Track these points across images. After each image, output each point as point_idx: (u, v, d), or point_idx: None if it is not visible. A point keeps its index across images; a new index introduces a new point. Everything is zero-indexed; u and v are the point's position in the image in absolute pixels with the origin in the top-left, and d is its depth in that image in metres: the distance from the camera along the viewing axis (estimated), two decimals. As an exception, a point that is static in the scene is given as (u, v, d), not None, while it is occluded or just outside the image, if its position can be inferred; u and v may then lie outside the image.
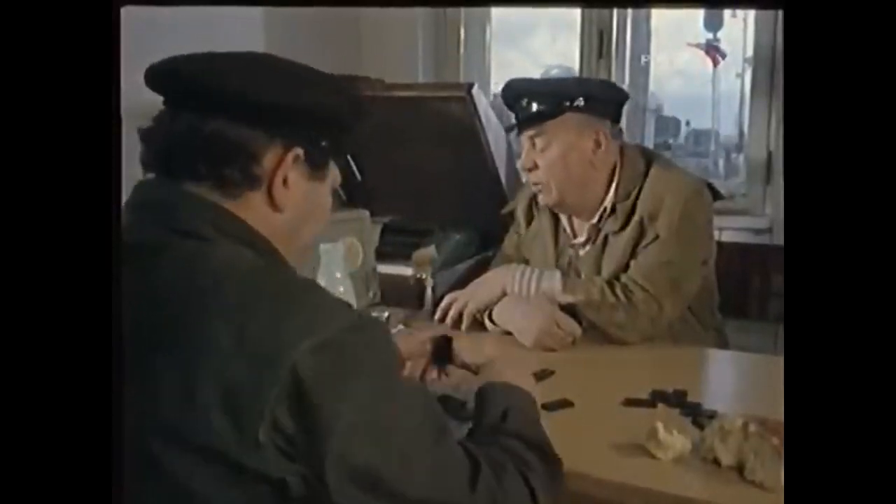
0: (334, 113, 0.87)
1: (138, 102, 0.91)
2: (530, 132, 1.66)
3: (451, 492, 0.77)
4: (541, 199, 1.72)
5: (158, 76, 0.83)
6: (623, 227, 1.63)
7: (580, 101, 1.63)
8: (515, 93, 1.68)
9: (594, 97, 1.65)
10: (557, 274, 1.64)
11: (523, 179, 1.88)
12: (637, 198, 1.63)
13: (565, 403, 1.22)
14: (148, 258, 0.75)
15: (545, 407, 1.24)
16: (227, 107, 0.79)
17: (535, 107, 1.64)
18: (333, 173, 0.90)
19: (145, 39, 1.31)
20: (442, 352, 1.20)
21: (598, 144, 1.65)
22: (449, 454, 0.78)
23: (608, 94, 1.70)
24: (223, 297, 0.72)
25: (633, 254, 1.61)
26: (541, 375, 1.31)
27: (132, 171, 0.86)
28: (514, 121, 1.72)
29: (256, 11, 2.21)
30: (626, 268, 1.61)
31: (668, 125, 3.01)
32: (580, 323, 1.53)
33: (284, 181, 0.82)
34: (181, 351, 0.70)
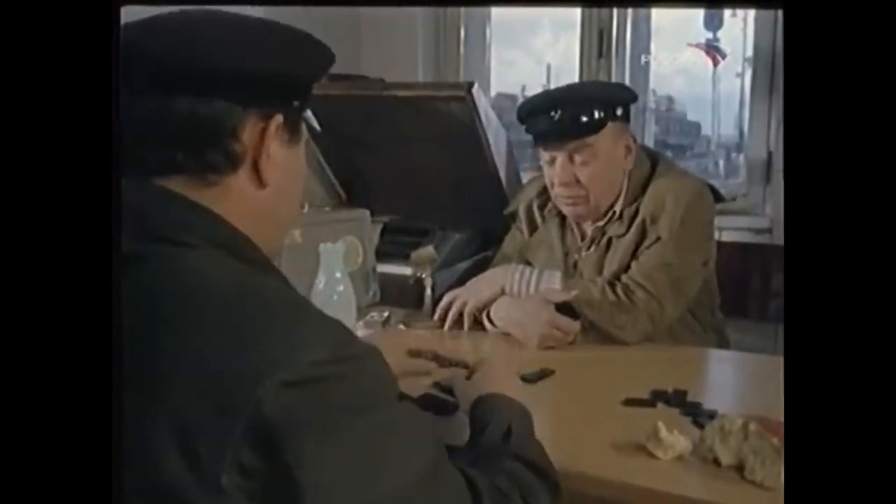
0: (308, 70, 0.79)
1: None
2: (570, 146, 1.60)
3: None
4: (569, 211, 1.68)
5: None
6: (627, 230, 1.63)
7: (620, 110, 1.61)
8: (546, 104, 1.60)
9: (626, 103, 1.63)
10: (557, 274, 1.64)
11: (526, 185, 1.86)
12: (640, 200, 1.63)
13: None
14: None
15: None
16: (195, 81, 0.69)
17: (575, 119, 1.57)
18: (304, 133, 0.81)
19: (145, 39, 1.31)
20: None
21: (628, 150, 1.64)
22: (449, 488, 0.71)
23: (631, 98, 1.69)
24: (190, 320, 0.63)
25: (634, 255, 1.61)
26: (541, 375, 1.32)
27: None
28: (536, 134, 1.63)
29: (256, 11, 2.21)
30: (627, 269, 1.60)
31: (690, 130, 3.00)
32: (579, 320, 1.53)
33: (267, 153, 0.74)
34: (137, 383, 0.60)
